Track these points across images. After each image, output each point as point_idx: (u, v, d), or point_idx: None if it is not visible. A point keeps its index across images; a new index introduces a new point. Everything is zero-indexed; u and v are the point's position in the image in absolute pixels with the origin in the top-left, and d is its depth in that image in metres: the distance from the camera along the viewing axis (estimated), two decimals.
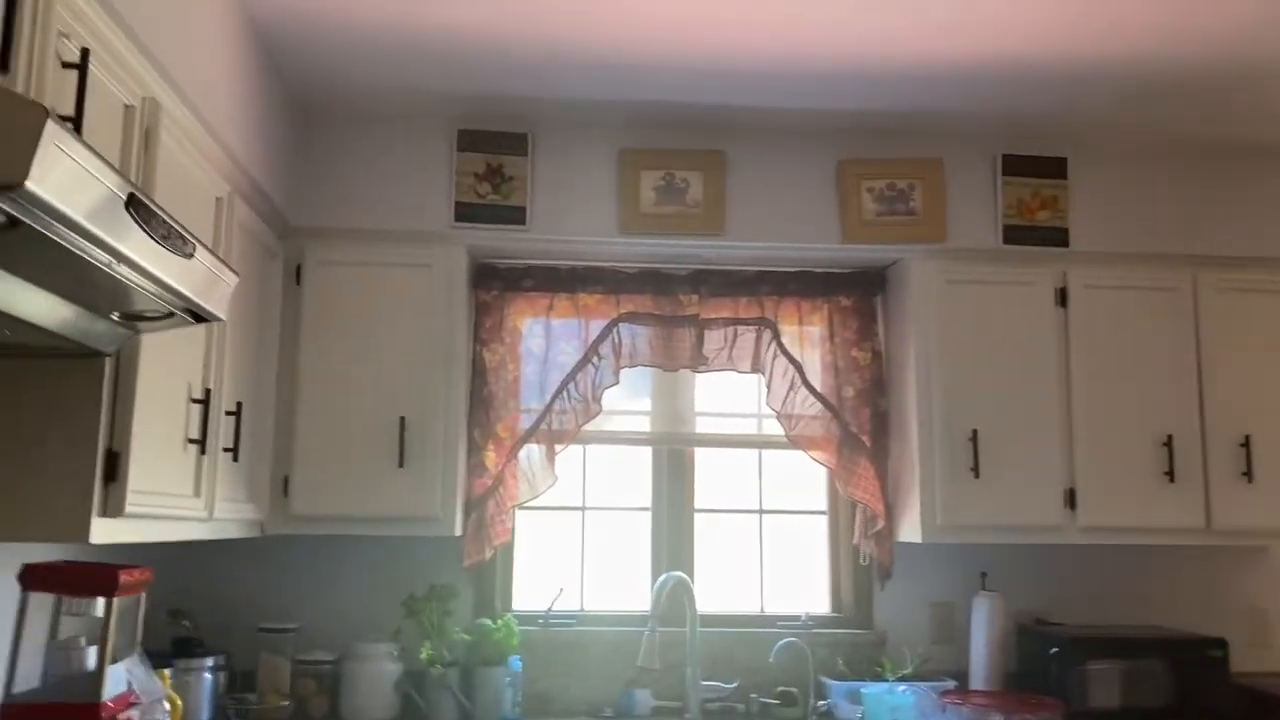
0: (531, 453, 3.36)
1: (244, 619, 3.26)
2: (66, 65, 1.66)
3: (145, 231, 1.43)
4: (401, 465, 3.05)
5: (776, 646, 3.30)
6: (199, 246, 1.70)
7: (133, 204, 1.38)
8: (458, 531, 3.12)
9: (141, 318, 1.78)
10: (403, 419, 3.06)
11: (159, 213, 1.49)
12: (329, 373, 3.09)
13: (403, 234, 3.17)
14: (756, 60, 2.84)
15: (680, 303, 3.44)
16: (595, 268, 3.42)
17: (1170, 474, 3.21)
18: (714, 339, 3.45)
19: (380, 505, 3.05)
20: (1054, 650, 3.15)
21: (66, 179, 1.21)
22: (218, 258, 1.81)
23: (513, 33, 2.70)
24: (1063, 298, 3.28)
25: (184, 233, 1.61)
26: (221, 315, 1.88)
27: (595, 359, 3.40)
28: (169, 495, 2.23)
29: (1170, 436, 3.22)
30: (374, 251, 3.15)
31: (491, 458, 3.34)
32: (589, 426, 3.40)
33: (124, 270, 1.47)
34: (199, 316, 1.85)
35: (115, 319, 1.76)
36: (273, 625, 3.13)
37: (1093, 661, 3.13)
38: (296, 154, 3.16)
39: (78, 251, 1.36)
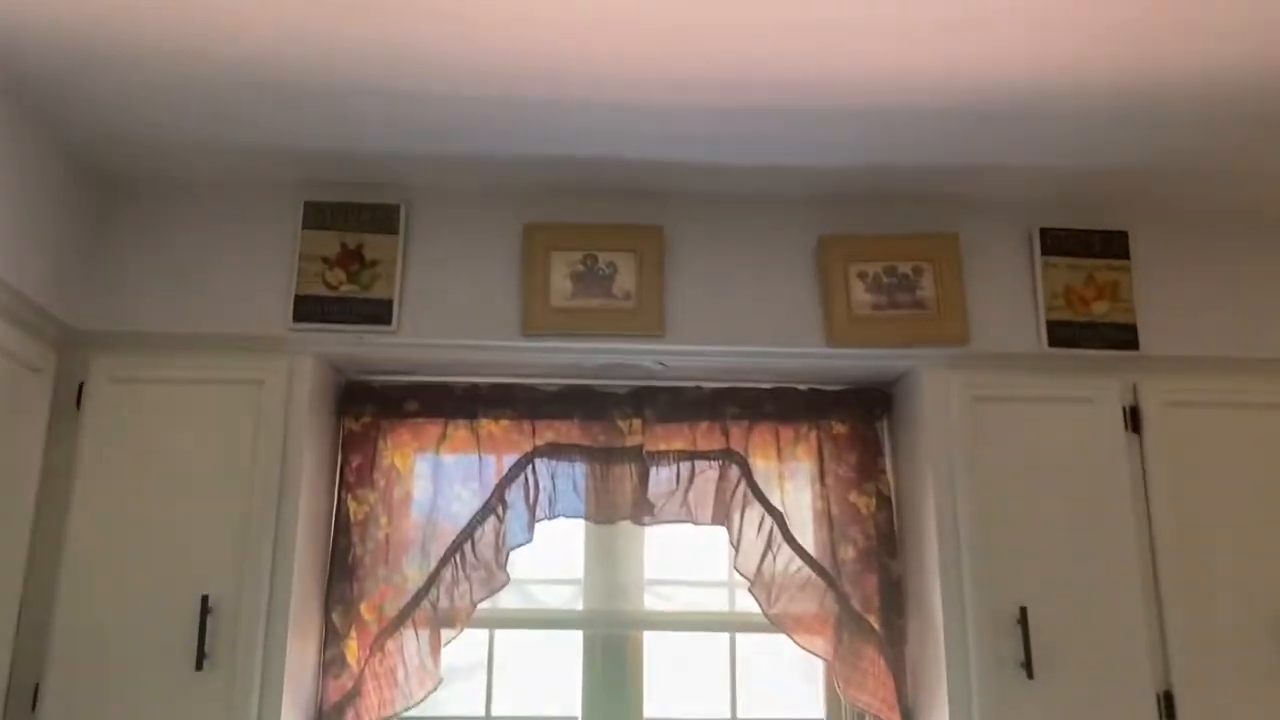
0: (408, 643, 2.42)
1: None
2: None
3: None
4: (200, 667, 2.12)
5: None
6: None
7: None
8: None
9: None
10: (205, 599, 2.15)
11: None
12: (110, 533, 2.21)
13: (224, 339, 2.33)
14: (704, 98, 2.04)
15: (618, 430, 2.56)
16: (503, 386, 2.56)
17: None
18: (663, 479, 2.56)
19: None
20: None
21: None
22: None
23: (375, 67, 1.92)
24: (1134, 419, 2.38)
25: None
26: None
27: (501, 509, 2.51)
28: None
29: None
30: (185, 364, 2.31)
31: (355, 650, 2.41)
32: (491, 604, 2.49)
33: None
34: None
35: None
36: None
37: None
38: (79, 236, 2.34)
39: None
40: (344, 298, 2.33)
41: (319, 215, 2.37)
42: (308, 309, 2.32)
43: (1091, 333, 2.41)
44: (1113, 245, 2.46)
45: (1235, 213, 2.53)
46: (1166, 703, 2.23)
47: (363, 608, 2.44)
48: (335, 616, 2.43)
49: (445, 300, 2.37)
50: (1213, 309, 2.47)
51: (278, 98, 2.07)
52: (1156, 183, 2.40)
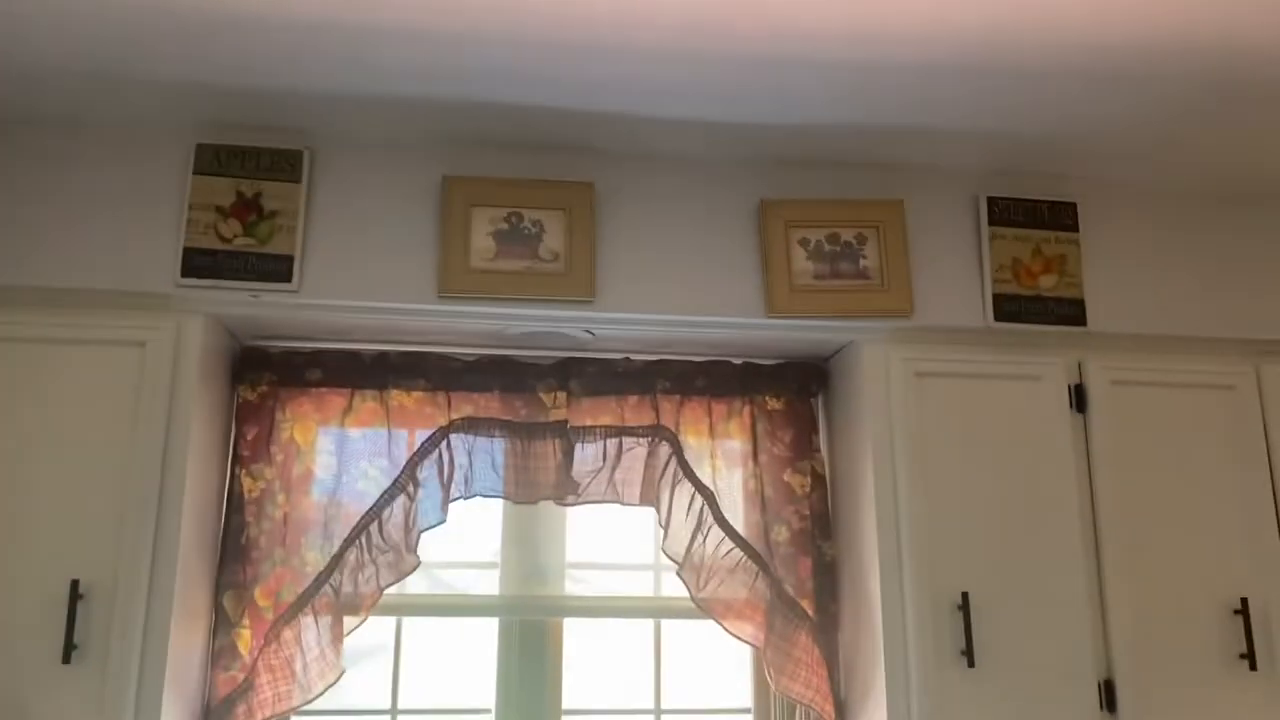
0: (307, 631, 2.22)
1: None
2: None
3: None
4: (67, 660, 1.89)
5: None
6: None
7: None
8: None
9: None
10: (75, 584, 1.92)
11: None
12: None
13: (102, 296, 2.08)
14: (641, 37, 1.86)
15: (541, 404, 2.39)
16: (416, 354, 2.36)
17: (1249, 656, 2.18)
18: (589, 456, 2.39)
19: None
20: None
21: None
22: None
23: None
24: (1080, 398, 2.30)
25: None
26: None
27: (412, 487, 2.31)
28: None
29: (1245, 601, 2.22)
30: (56, 322, 2.06)
31: (248, 639, 2.20)
32: (399, 589, 2.30)
33: None
34: None
35: None
36: None
37: None
38: None
39: None
40: (239, 251, 2.10)
41: (213, 159, 2.13)
42: (198, 263, 2.09)
43: (1038, 307, 2.31)
44: (1061, 217, 2.37)
45: (1187, 188, 2.45)
46: (1107, 691, 2.15)
47: (257, 593, 2.23)
48: (226, 603, 2.22)
49: (352, 257, 2.16)
50: (1162, 286, 2.39)
51: (167, 25, 1.83)
52: (1108, 153, 2.30)
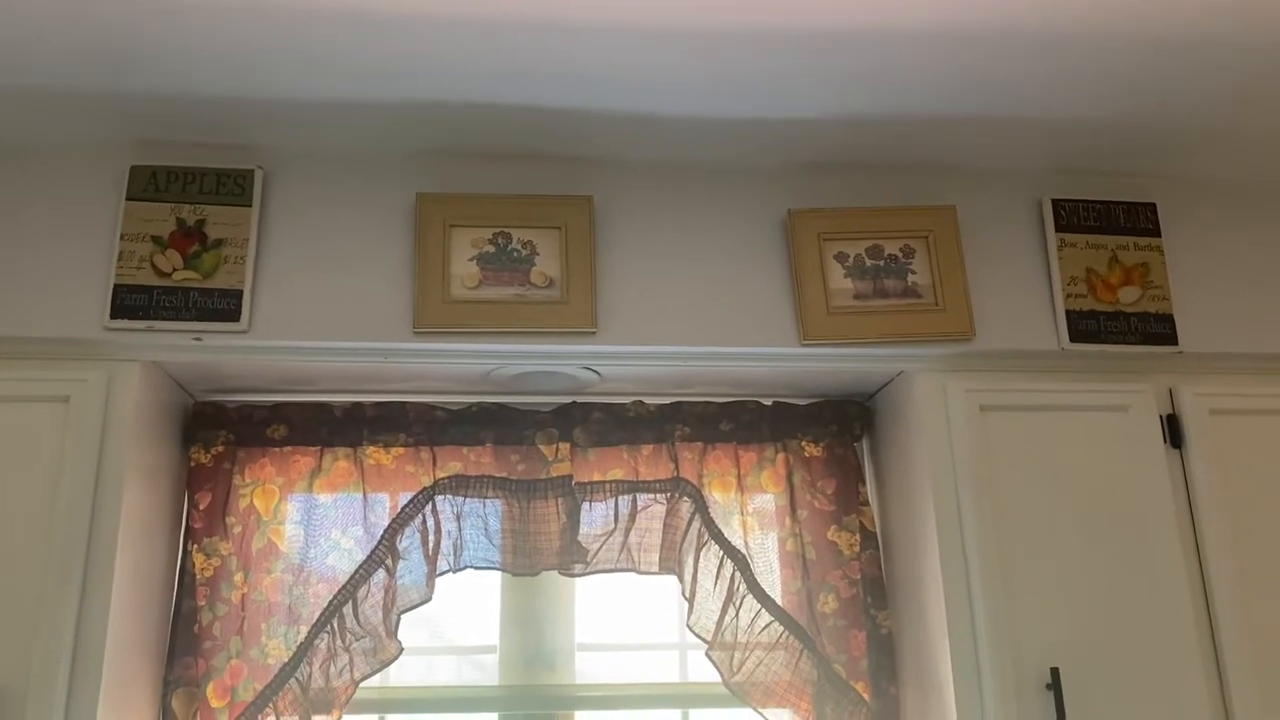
0: None
1: None
2: None
3: None
4: None
5: None
6: None
7: None
8: None
9: None
10: None
11: None
12: None
13: (17, 344, 1.78)
14: (637, 13, 1.57)
15: (540, 457, 2.07)
16: (395, 405, 2.05)
17: None
18: (598, 517, 2.06)
19: None
20: None
21: None
22: None
23: None
24: (1174, 431, 1.95)
25: None
26: None
27: (391, 560, 1.98)
28: None
29: None
30: None
31: None
32: (380, 681, 1.98)
33: None
34: None
35: None
36: None
37: None
38: None
39: None
40: (178, 288, 1.80)
41: (149, 183, 1.84)
42: (131, 302, 1.79)
43: (1120, 325, 1.97)
44: (1140, 219, 2.04)
45: None
46: None
47: (210, 691, 1.89)
48: (175, 704, 1.88)
49: (312, 291, 1.85)
50: (1264, 296, 2.04)
51: (93, 19, 1.55)
52: (1191, 141, 1.98)
